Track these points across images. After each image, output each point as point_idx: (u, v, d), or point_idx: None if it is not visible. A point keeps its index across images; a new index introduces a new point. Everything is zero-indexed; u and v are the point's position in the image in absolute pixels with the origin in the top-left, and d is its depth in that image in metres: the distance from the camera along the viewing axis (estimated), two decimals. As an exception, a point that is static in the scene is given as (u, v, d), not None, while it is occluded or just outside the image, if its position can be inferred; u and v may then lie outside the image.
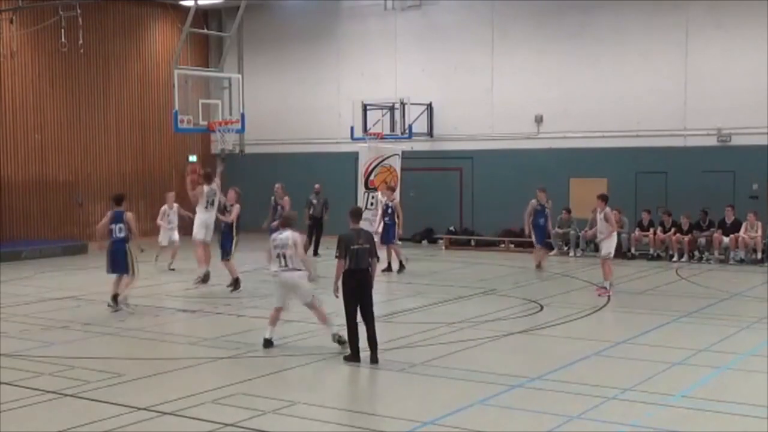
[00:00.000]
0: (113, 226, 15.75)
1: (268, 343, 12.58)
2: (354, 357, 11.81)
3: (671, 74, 24.27)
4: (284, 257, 12.43)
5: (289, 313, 13.06)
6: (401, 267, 21.09)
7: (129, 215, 15.99)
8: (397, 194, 22.57)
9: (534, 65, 26.28)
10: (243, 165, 30.79)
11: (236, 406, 9.84)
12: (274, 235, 12.70)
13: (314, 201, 24.26)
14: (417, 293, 18.05)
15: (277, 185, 21.33)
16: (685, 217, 22.99)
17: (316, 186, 24.57)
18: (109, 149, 29.28)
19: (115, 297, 15.84)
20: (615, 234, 17.95)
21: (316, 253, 23.29)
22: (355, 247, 11.80)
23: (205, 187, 18.49)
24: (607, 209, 17.69)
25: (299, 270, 12.50)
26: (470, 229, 27.36)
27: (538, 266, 21.18)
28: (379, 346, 11.85)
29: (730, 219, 22.57)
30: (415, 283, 19.60)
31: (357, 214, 12.42)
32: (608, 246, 17.53)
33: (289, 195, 21.29)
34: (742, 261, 22.06)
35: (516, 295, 17.29)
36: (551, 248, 23.56)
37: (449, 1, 27.67)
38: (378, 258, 12.68)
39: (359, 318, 11.86)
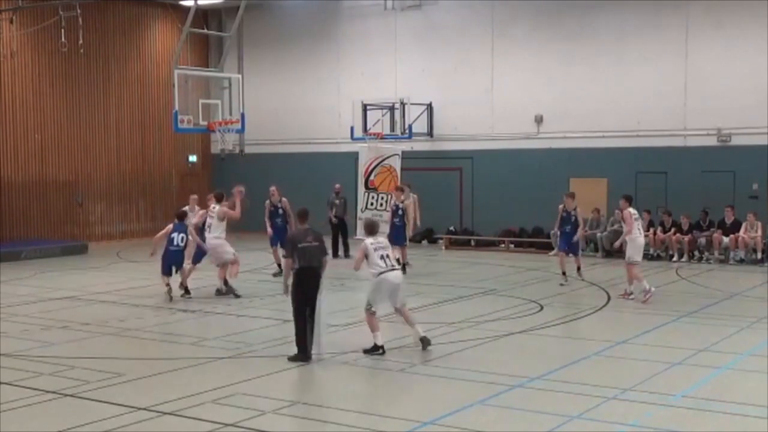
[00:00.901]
0: (174, 235, 17.09)
1: (378, 349, 12.24)
2: (302, 356, 11.84)
3: (671, 74, 24.26)
4: (388, 258, 12.39)
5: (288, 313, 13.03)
6: (403, 268, 20.78)
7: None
8: (411, 194, 22.16)
9: (534, 65, 26.28)
10: (243, 165, 30.82)
11: (236, 406, 9.84)
12: (371, 239, 12.51)
13: (336, 201, 23.92)
14: (417, 293, 18.01)
15: (272, 187, 21.06)
16: (685, 217, 22.99)
17: (337, 186, 24.38)
18: (109, 149, 29.28)
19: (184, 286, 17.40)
20: (635, 236, 16.88)
21: (347, 255, 22.91)
22: (303, 245, 11.88)
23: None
24: (629, 209, 16.92)
25: (399, 270, 12.59)
26: (470, 229, 27.36)
27: (577, 270, 19.38)
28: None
29: (730, 219, 22.56)
30: (416, 283, 19.56)
31: (303, 215, 12.45)
32: (629, 249, 16.79)
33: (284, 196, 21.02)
34: (742, 261, 22.06)
35: (516, 295, 17.29)
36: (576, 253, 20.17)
37: (449, 1, 27.66)
38: (327, 255, 12.44)
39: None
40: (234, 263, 17.35)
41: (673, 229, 23.07)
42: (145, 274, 20.62)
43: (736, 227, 22.38)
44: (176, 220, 17.46)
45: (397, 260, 20.53)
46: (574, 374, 11.16)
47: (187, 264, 17.60)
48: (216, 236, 17.28)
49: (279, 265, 19.17)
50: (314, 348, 11.97)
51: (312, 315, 11.92)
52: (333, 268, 15.73)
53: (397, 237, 20.45)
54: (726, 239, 22.40)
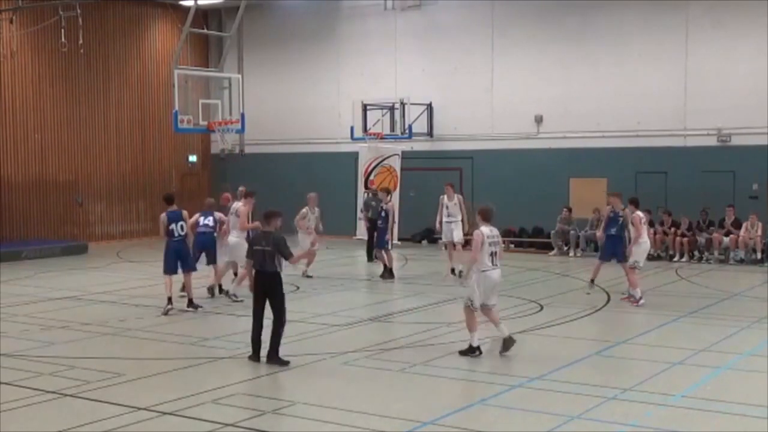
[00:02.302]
0: (173, 225, 15.72)
1: (474, 351, 12.05)
2: (252, 356, 11.90)
3: (671, 74, 24.26)
4: (495, 255, 12.00)
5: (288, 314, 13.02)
6: (385, 272, 20.02)
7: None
8: (395, 196, 21.48)
9: (534, 65, 26.27)
10: (243, 165, 30.85)
11: (236, 406, 9.84)
12: (486, 230, 11.91)
13: (372, 203, 22.67)
14: (417, 293, 18.04)
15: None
16: (685, 217, 22.99)
17: (372, 186, 24.28)
18: (109, 149, 29.29)
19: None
20: (642, 240, 16.54)
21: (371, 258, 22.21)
22: (258, 248, 11.85)
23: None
24: (638, 213, 16.60)
25: (499, 269, 12.19)
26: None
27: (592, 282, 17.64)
28: (380, 346, 11.80)
29: (730, 219, 22.57)
30: (416, 283, 19.59)
31: (268, 216, 12.13)
32: (635, 253, 16.46)
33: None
34: (742, 261, 22.06)
35: (516, 295, 17.28)
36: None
37: (449, 1, 27.66)
38: (283, 260, 12.02)
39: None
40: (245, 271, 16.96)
41: (673, 229, 23.07)
42: (145, 274, 20.63)
43: (736, 227, 22.38)
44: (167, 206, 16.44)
45: (385, 266, 20.37)
46: (574, 374, 11.16)
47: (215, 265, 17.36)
48: (236, 235, 16.89)
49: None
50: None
51: (274, 317, 11.80)
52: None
53: (380, 240, 20.33)
54: (726, 239, 22.40)
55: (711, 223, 22.97)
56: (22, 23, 25.94)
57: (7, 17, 25.19)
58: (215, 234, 17.15)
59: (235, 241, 16.78)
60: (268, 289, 11.87)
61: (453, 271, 19.56)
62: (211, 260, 17.20)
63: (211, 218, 17.05)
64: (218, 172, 32.01)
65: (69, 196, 28.08)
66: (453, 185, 20.54)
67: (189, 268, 15.98)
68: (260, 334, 11.93)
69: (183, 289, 16.42)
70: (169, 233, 15.64)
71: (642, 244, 16.61)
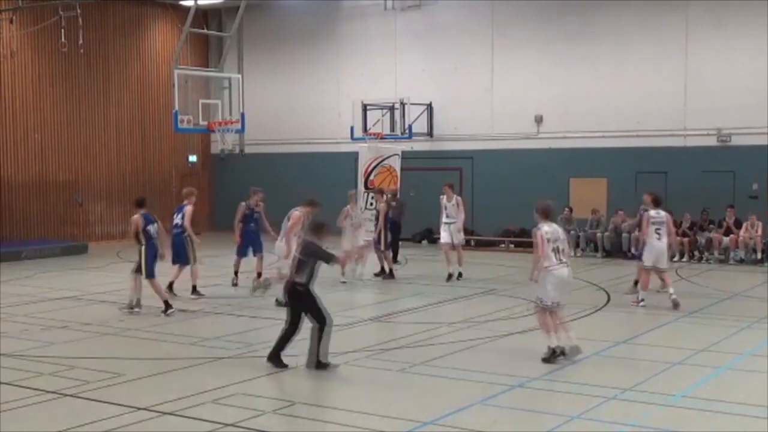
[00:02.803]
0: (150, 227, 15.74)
1: (555, 353, 11.66)
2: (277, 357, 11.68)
3: (671, 74, 24.28)
4: (560, 252, 11.69)
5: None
6: (390, 274, 20.02)
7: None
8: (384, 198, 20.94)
9: (534, 65, 26.29)
10: (243, 165, 30.85)
11: (236, 406, 9.84)
12: (546, 228, 11.64)
13: (392, 203, 21.91)
14: (417, 293, 18.04)
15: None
16: (687, 217, 22.98)
17: (393, 187, 24.25)
18: (109, 149, 29.30)
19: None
20: (650, 240, 16.07)
21: (395, 260, 21.68)
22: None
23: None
24: (650, 212, 16.19)
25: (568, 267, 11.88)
26: (470, 229, 27.31)
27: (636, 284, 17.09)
28: (380, 346, 11.78)
29: (731, 219, 22.57)
30: (416, 283, 19.59)
31: (314, 228, 11.86)
32: (646, 253, 16.08)
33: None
34: (742, 261, 22.06)
35: (516, 296, 17.28)
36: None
37: (449, 1, 27.67)
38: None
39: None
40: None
41: (674, 229, 23.05)
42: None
43: (737, 227, 22.37)
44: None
45: (382, 268, 20.31)
46: (574, 374, 11.16)
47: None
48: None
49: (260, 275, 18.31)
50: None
51: (317, 326, 11.45)
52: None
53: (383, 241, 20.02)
54: (726, 239, 22.41)
55: (711, 222, 22.97)
56: (22, 23, 25.94)
57: (7, 17, 25.18)
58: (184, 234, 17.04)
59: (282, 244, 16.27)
60: (296, 301, 11.53)
61: (450, 277, 19.49)
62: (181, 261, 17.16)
63: (180, 215, 17.03)
64: (218, 172, 32.00)
65: (69, 196, 28.08)
66: (452, 185, 20.32)
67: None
68: (282, 340, 11.60)
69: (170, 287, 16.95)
70: (147, 235, 15.56)
71: (650, 244, 16.08)
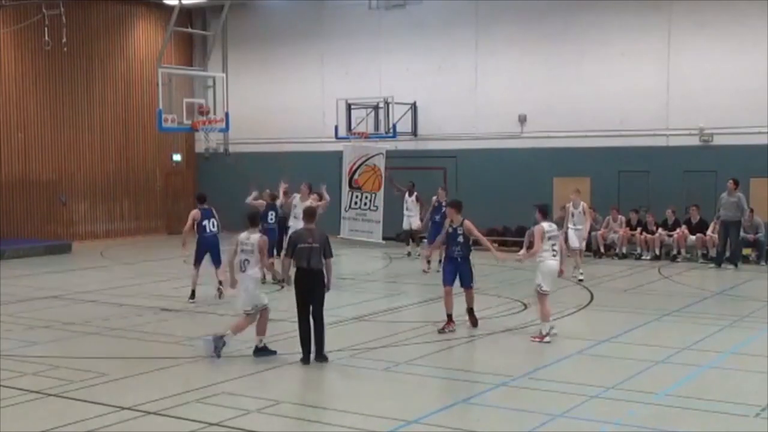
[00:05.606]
0: (206, 222, 16.80)
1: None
2: (303, 358, 11.77)
3: (654, 74, 24.36)
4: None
5: (275, 312, 13.01)
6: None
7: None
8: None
9: (518, 65, 26.33)
10: (227, 164, 30.79)
11: (221, 405, 9.83)
12: (546, 226, 13.31)
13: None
14: (401, 292, 18.09)
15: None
16: (650, 216, 23.36)
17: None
18: (93, 148, 29.17)
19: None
20: (544, 259, 13.36)
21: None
22: (303, 245, 11.72)
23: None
24: (544, 224, 14.57)
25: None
26: (454, 228, 27.33)
27: None
28: (363, 345, 11.81)
29: (695, 219, 22.75)
30: (398, 282, 19.63)
31: (309, 214, 12.23)
32: (541, 275, 13.47)
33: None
34: (709, 259, 22.14)
35: (500, 294, 17.33)
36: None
37: (433, 1, 27.67)
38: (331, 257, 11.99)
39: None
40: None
41: (639, 228, 23.31)
42: (129, 273, 20.58)
43: (699, 227, 22.56)
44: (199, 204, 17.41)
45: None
46: (557, 373, 11.22)
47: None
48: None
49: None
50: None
51: (315, 317, 11.76)
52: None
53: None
54: (692, 238, 22.56)
55: (677, 222, 23.10)
56: (5, 21, 25.81)
57: (-10, 15, 25.09)
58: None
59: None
60: (314, 287, 11.77)
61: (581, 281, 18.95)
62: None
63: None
64: (203, 170, 31.93)
65: (52, 194, 27.94)
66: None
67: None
68: (310, 334, 11.78)
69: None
70: (202, 229, 16.71)
71: (546, 264, 13.34)
